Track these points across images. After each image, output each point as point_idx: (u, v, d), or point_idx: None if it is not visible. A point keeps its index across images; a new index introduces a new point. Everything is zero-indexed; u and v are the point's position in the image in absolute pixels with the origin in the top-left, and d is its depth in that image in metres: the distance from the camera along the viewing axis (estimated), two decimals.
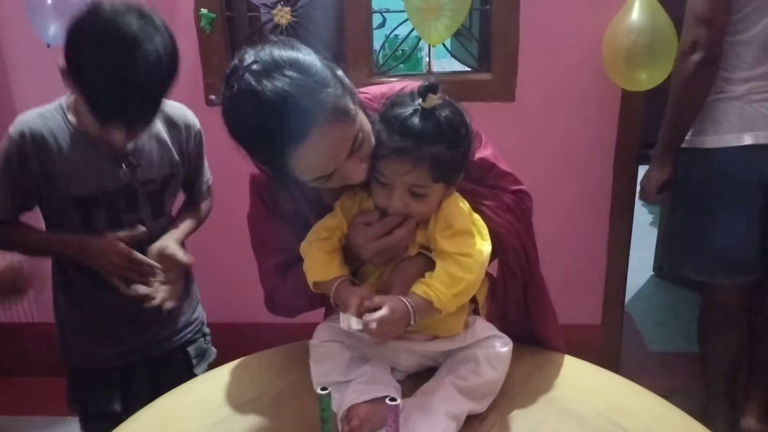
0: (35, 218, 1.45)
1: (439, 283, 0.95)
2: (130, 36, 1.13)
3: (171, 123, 1.47)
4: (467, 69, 2.43)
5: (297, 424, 1.02)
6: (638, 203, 2.39)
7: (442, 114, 0.95)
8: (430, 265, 1.00)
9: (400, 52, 2.85)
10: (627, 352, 2.56)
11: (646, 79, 2.00)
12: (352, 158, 0.94)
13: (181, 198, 1.60)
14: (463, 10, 1.99)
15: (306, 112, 0.87)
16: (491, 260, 1.04)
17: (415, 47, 2.93)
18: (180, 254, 1.41)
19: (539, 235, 1.19)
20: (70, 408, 1.55)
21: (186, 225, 1.53)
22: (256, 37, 2.29)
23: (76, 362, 1.52)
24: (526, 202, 1.17)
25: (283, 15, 2.14)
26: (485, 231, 1.03)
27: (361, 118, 0.95)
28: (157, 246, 1.40)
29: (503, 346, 1.05)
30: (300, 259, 1.07)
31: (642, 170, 2.33)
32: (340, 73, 0.94)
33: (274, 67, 0.87)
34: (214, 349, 1.69)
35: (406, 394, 1.03)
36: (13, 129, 1.33)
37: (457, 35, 2.26)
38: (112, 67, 1.13)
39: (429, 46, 2.24)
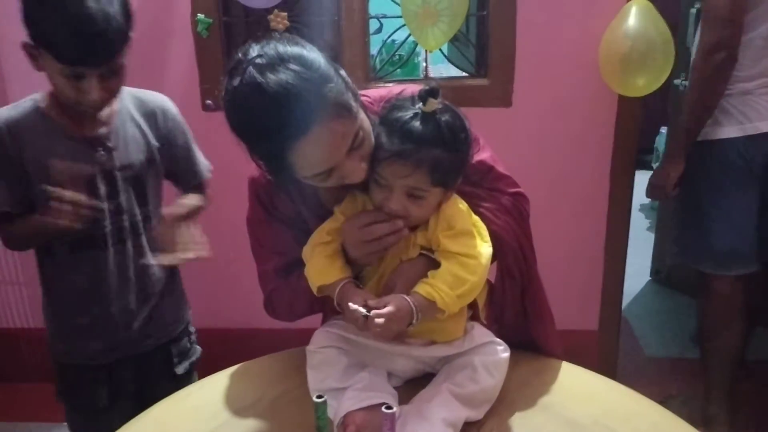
0: None
1: (443, 284, 0.96)
2: None
3: (145, 109, 1.48)
4: (464, 74, 2.44)
5: (294, 431, 1.02)
6: (635, 208, 2.39)
7: (443, 118, 0.96)
8: (432, 267, 1.00)
9: (398, 57, 2.86)
10: (624, 357, 2.56)
11: (643, 85, 2.00)
12: (351, 156, 0.95)
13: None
14: (460, 16, 1.99)
15: (308, 105, 0.87)
16: (491, 263, 1.04)
17: (412, 52, 2.93)
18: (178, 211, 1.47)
19: (537, 240, 1.19)
20: (57, 398, 1.55)
21: (185, 201, 1.56)
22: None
23: (62, 358, 1.52)
24: (524, 205, 1.17)
25: (279, 20, 2.13)
26: (485, 232, 1.03)
27: (362, 117, 0.96)
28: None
29: (501, 353, 1.05)
30: (299, 262, 1.07)
31: (639, 175, 2.35)
32: (343, 72, 0.95)
33: (278, 61, 0.88)
34: (198, 348, 1.69)
35: (403, 401, 1.03)
36: None
37: (454, 41, 2.27)
38: (63, 7, 1.18)
39: (426, 51, 2.24)
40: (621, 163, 2.25)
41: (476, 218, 1.05)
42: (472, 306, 1.09)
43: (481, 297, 1.10)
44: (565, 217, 2.30)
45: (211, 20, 2.18)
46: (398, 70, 2.61)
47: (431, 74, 2.55)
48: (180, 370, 1.62)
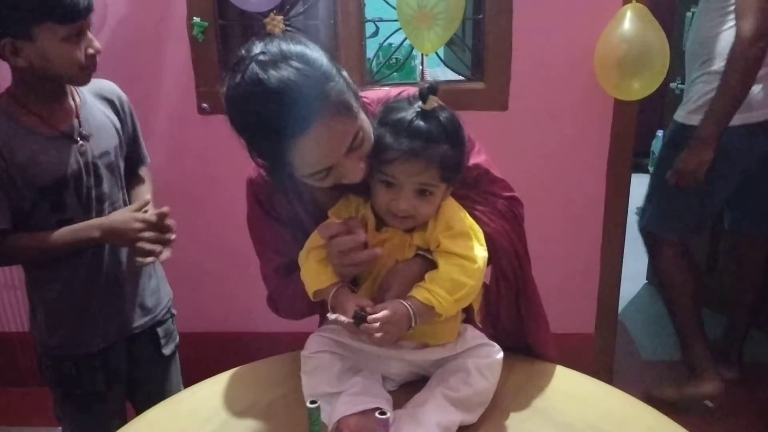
0: None
1: (441, 289, 0.96)
2: None
3: (103, 97, 1.52)
4: (460, 78, 2.44)
5: None
6: (631, 212, 2.40)
7: (442, 115, 0.97)
8: (428, 267, 1.01)
9: (394, 60, 2.86)
10: (620, 360, 2.56)
11: (638, 89, 2.00)
12: (351, 156, 0.95)
13: None
14: (456, 20, 2.00)
15: (309, 101, 0.87)
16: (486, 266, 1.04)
17: (409, 55, 2.94)
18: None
19: (532, 243, 1.19)
20: (50, 387, 1.56)
21: (146, 188, 1.62)
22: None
23: (57, 351, 1.51)
24: (518, 209, 1.17)
25: (276, 23, 2.13)
26: (481, 235, 1.04)
27: (363, 117, 0.96)
28: (135, 206, 1.46)
29: (494, 355, 1.05)
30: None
31: (636, 179, 2.35)
32: (344, 72, 0.95)
33: (280, 58, 0.88)
34: (176, 330, 1.73)
35: (398, 405, 1.02)
36: None
37: (450, 44, 2.26)
38: None
39: (422, 54, 2.25)
40: (617, 166, 2.25)
41: (472, 221, 1.05)
42: (467, 309, 1.09)
43: (476, 300, 1.10)
44: (562, 221, 2.31)
45: (206, 23, 2.18)
46: (395, 73, 2.61)
47: (428, 77, 2.55)
48: (167, 351, 1.67)
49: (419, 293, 0.96)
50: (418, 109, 0.97)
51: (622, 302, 2.73)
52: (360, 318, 0.94)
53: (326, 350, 1.06)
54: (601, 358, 2.45)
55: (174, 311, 1.71)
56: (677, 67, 2.44)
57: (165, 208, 1.42)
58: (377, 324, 0.92)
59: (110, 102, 1.53)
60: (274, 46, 0.90)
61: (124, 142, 1.55)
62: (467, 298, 0.99)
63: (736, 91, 1.96)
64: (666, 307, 2.42)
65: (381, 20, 2.42)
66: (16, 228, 1.38)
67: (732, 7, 1.99)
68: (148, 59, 2.24)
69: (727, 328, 2.55)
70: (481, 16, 2.21)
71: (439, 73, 2.93)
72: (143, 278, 1.58)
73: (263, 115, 0.88)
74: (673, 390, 2.35)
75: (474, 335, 1.07)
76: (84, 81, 1.40)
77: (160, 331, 1.64)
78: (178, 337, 1.72)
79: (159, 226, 1.41)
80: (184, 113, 2.25)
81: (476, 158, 1.12)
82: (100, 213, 1.46)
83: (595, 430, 1.00)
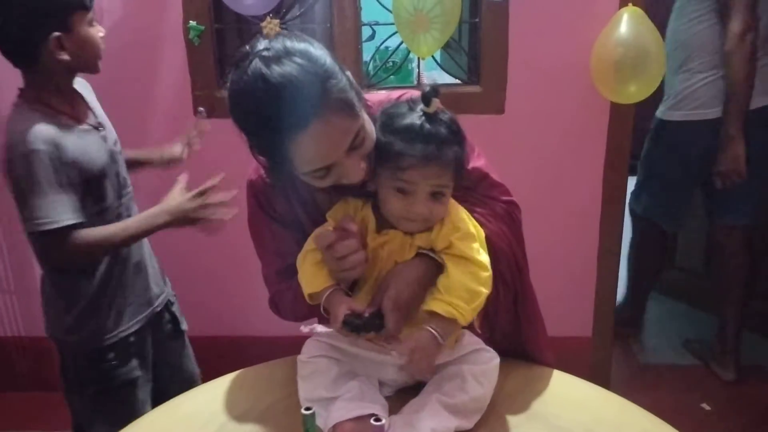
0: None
1: (459, 299, 0.96)
2: None
3: (89, 90, 1.58)
4: (457, 81, 2.44)
5: None
6: (628, 215, 2.40)
7: (445, 116, 0.98)
8: (426, 266, 1.01)
9: (391, 63, 2.86)
10: (617, 364, 2.55)
11: (635, 92, 2.00)
12: (352, 155, 0.95)
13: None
14: (452, 23, 1.99)
15: (310, 98, 0.88)
16: None
17: (405, 59, 2.94)
18: None
19: (530, 246, 1.19)
20: (80, 391, 1.56)
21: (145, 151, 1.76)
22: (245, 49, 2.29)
23: (95, 344, 1.52)
24: (517, 213, 1.18)
25: (272, 27, 2.13)
26: (483, 236, 1.04)
27: (365, 117, 0.96)
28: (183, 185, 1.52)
29: (490, 361, 1.05)
30: None
31: (632, 182, 2.35)
32: (348, 72, 0.96)
33: (284, 54, 0.89)
34: None
35: (393, 411, 1.02)
36: (30, 145, 1.32)
37: (446, 48, 2.26)
38: None
39: (419, 58, 2.25)
40: (614, 169, 2.25)
41: (474, 221, 1.05)
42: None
43: None
44: (559, 224, 2.30)
45: (203, 27, 2.18)
46: (391, 76, 2.61)
47: (424, 81, 2.55)
48: (184, 326, 1.75)
49: (439, 306, 0.96)
50: (422, 113, 0.97)
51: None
52: (351, 325, 0.94)
53: (323, 355, 1.06)
54: (598, 361, 2.44)
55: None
56: None
57: (214, 180, 1.46)
58: (404, 358, 0.94)
59: (94, 94, 1.58)
60: (278, 43, 0.91)
61: None
62: (481, 306, 0.99)
63: (743, 82, 2.14)
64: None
65: (377, 24, 2.42)
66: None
67: (708, 8, 2.20)
68: (144, 63, 2.23)
69: (719, 328, 2.57)
70: (477, 20, 2.21)
71: (436, 76, 2.93)
72: (151, 257, 1.64)
73: (264, 110, 0.88)
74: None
75: (471, 341, 1.06)
76: (99, 68, 1.46)
77: (173, 309, 1.71)
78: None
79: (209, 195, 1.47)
80: (179, 117, 2.25)
81: (476, 162, 1.13)
82: (126, 197, 1.54)
83: None
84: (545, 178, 2.27)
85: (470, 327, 1.10)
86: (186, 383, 1.63)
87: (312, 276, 1.02)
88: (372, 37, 2.72)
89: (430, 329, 0.95)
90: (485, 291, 0.99)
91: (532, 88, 2.19)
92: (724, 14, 2.16)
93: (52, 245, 1.36)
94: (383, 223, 1.04)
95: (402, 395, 1.07)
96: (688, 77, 2.28)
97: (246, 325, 2.34)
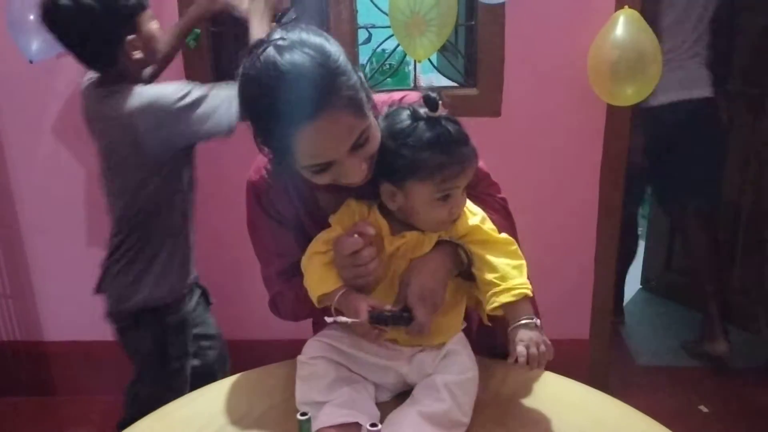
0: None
1: (515, 279, 1.00)
2: None
3: None
4: (453, 84, 2.44)
5: None
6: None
7: (447, 115, 1.00)
8: (443, 252, 1.04)
9: (387, 66, 2.87)
10: (615, 365, 2.55)
11: (631, 94, 2.01)
12: (354, 155, 0.95)
13: None
14: (449, 26, 1.99)
15: (318, 90, 0.88)
16: None
17: (402, 61, 2.94)
18: None
19: (527, 248, 1.18)
20: (143, 361, 1.68)
21: None
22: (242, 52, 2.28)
23: (168, 299, 1.63)
24: (509, 209, 1.21)
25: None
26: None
27: (373, 120, 0.97)
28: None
29: (468, 372, 1.04)
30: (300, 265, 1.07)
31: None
32: (360, 73, 0.96)
33: (298, 45, 0.90)
34: None
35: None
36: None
37: (442, 51, 2.27)
38: None
39: (415, 61, 2.24)
40: (610, 171, 2.25)
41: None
42: (466, 313, 1.10)
43: (471, 299, 1.11)
44: (556, 226, 2.30)
45: (199, 31, 2.17)
46: (388, 79, 2.61)
47: (421, 83, 2.55)
48: (212, 300, 1.84)
49: (506, 297, 0.99)
50: (438, 118, 0.98)
51: None
52: (380, 317, 0.95)
53: (323, 356, 1.05)
54: (596, 363, 2.44)
55: None
56: None
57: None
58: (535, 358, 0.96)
59: None
60: (294, 34, 0.91)
61: None
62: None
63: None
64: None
65: (374, 27, 2.42)
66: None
67: None
68: None
69: (701, 325, 2.62)
70: (473, 23, 2.21)
71: (433, 79, 2.93)
72: None
73: (272, 96, 0.88)
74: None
75: (454, 349, 1.06)
76: (159, 58, 1.64)
77: (201, 284, 1.81)
78: None
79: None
80: None
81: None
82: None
83: None
84: (542, 180, 2.27)
85: (472, 322, 1.11)
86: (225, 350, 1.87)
87: (321, 278, 1.02)
88: (368, 40, 2.72)
89: (523, 321, 0.98)
90: (524, 261, 1.04)
91: (529, 91, 2.19)
92: None
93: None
94: (396, 226, 1.04)
95: (399, 401, 1.06)
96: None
97: (242, 330, 2.33)
